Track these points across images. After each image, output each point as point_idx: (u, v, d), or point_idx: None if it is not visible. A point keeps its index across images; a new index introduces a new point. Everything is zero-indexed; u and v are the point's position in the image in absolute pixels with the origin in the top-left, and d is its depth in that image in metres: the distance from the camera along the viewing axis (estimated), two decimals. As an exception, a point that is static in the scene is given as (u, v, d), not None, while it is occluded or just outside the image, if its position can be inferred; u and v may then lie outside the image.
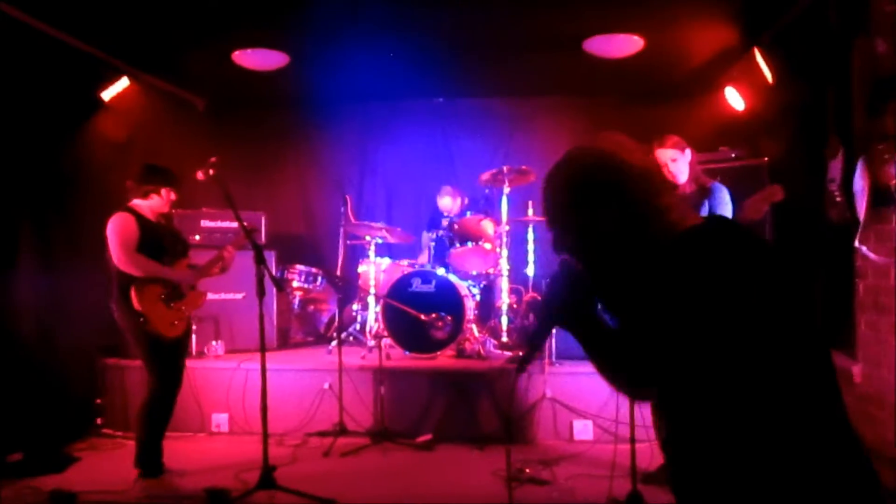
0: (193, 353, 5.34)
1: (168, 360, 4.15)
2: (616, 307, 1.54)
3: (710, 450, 1.37)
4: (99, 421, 5.24)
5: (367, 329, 5.96)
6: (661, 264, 1.41)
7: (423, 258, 6.42)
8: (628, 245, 1.48)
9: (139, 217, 4.13)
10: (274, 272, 6.21)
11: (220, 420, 5.21)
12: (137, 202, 4.21)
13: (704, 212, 3.76)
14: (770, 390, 1.33)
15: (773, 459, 1.31)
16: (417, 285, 5.70)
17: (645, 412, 3.96)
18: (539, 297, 5.88)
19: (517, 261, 6.48)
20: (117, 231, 4.04)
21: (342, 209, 5.87)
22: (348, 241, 6.11)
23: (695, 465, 1.41)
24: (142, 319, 3.99)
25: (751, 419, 1.33)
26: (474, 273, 6.09)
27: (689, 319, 1.34)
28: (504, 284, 5.93)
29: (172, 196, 4.28)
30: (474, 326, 5.89)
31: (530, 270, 6.51)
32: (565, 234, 1.54)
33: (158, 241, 4.20)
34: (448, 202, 6.65)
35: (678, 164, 3.79)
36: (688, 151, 3.82)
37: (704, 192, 3.78)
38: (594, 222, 1.48)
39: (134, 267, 4.02)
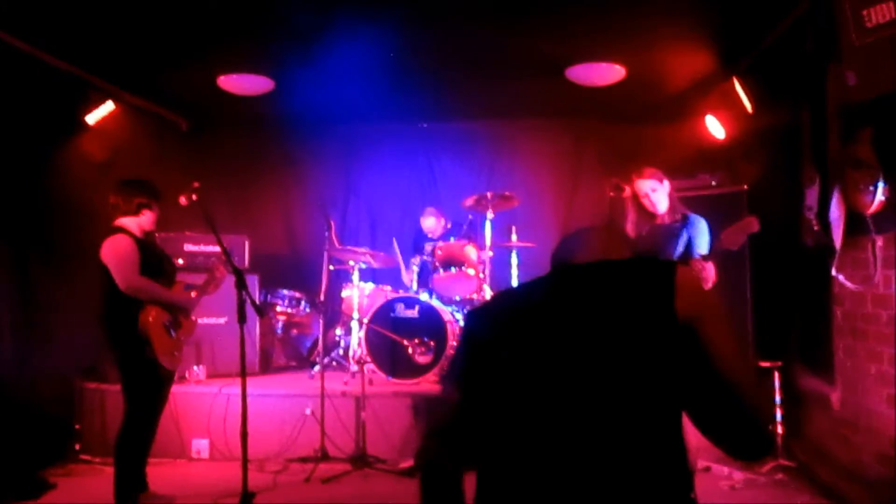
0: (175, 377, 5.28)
1: (155, 391, 3.98)
2: None
3: None
4: (77, 446, 5.15)
5: (350, 354, 5.94)
6: None
7: (406, 278, 6.39)
8: None
9: (135, 238, 3.92)
10: (257, 296, 6.18)
11: (200, 446, 5.15)
12: (126, 221, 3.96)
13: (683, 242, 3.79)
14: None
15: None
16: (401, 311, 5.71)
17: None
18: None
19: (501, 286, 6.49)
20: (119, 253, 3.82)
21: (326, 233, 5.85)
22: (332, 266, 6.14)
23: None
24: (146, 347, 3.79)
25: None
26: (458, 298, 6.09)
27: None
28: (487, 309, 5.90)
29: (158, 212, 4.10)
30: (457, 351, 5.85)
31: (513, 295, 6.51)
32: None
33: (157, 262, 4.02)
34: (432, 223, 6.66)
35: (657, 194, 3.84)
36: (666, 182, 3.86)
37: (684, 222, 3.82)
38: None
39: (141, 291, 3.81)
